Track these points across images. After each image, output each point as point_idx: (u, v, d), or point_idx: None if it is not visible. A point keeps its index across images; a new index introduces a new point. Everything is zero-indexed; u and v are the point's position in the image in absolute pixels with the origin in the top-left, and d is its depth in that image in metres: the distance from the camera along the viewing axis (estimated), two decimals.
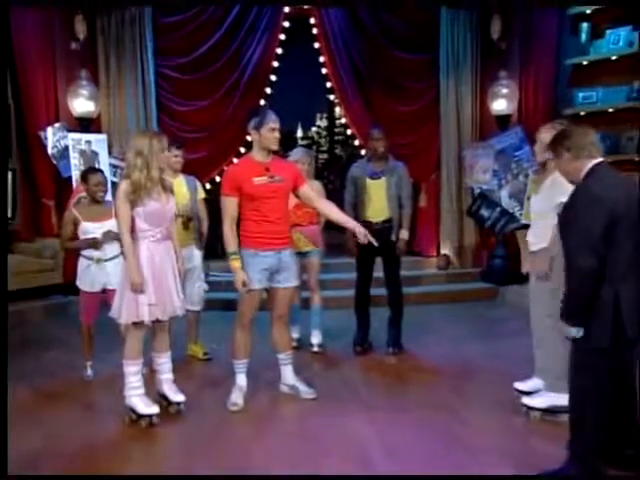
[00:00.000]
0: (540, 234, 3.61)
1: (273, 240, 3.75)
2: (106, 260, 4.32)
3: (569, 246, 2.67)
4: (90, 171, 4.59)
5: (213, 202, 4.69)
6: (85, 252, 4.34)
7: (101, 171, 4.71)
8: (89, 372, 4.44)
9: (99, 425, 3.64)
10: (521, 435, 3.38)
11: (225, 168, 3.56)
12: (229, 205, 3.72)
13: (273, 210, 3.74)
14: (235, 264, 3.69)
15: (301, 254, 4.81)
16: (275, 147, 3.80)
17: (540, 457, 3.01)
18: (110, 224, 4.27)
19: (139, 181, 3.47)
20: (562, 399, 3.38)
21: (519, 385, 3.84)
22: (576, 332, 2.67)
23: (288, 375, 4.07)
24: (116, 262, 4.27)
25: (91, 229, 4.31)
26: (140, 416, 3.55)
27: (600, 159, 2.77)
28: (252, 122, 3.75)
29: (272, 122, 3.73)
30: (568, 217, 2.71)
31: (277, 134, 3.76)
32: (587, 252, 2.58)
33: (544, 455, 3.01)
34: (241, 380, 3.91)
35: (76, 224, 4.33)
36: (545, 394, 3.60)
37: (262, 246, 3.73)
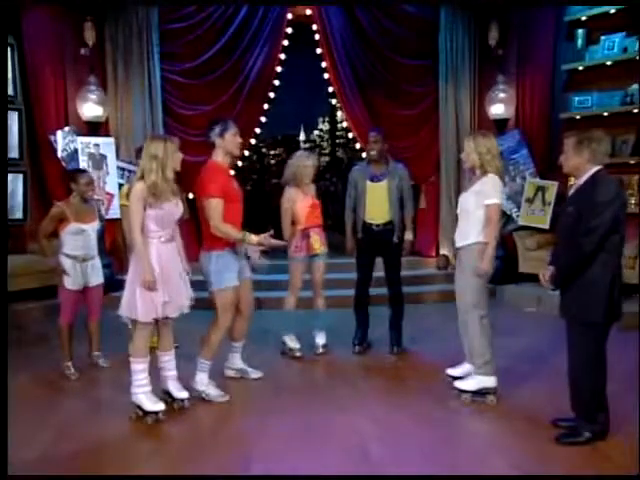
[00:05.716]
0: (464, 232, 3.84)
1: None
2: (88, 260, 4.52)
3: (578, 230, 2.97)
4: (78, 171, 4.78)
5: None
6: (69, 252, 4.44)
7: (87, 171, 4.97)
8: (72, 371, 4.49)
9: (106, 422, 3.68)
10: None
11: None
12: (220, 206, 3.87)
13: (239, 211, 4.04)
14: (252, 238, 3.86)
15: (310, 256, 4.90)
16: (238, 152, 4.09)
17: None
18: (94, 226, 4.53)
19: (156, 183, 3.53)
20: (490, 381, 3.76)
21: (451, 371, 4.07)
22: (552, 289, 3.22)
23: (237, 360, 4.41)
24: (94, 262, 4.56)
25: (77, 229, 4.43)
26: (146, 413, 3.64)
27: (601, 166, 3.14)
28: (215, 130, 3.96)
29: (233, 129, 3.98)
30: (589, 205, 3.00)
31: (239, 139, 4.03)
32: (595, 238, 2.94)
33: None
34: (207, 375, 4.08)
35: (62, 220, 4.43)
36: (475, 377, 3.83)
37: (234, 245, 3.98)
